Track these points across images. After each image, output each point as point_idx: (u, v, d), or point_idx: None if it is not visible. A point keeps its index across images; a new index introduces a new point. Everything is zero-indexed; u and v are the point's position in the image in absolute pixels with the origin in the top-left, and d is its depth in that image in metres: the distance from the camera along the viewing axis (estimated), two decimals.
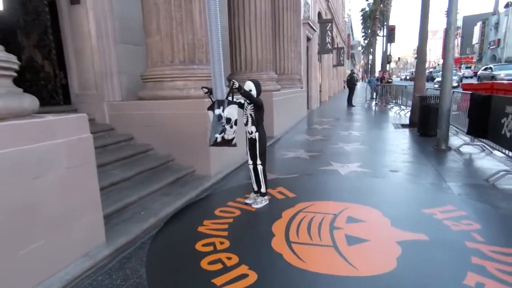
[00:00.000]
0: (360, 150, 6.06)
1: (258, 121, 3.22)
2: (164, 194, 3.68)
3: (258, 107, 3.17)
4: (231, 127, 2.95)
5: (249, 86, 3.15)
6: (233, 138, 3.01)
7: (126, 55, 4.99)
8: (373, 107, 15.11)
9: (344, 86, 38.69)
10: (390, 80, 16.16)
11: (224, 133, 2.90)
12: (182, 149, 4.36)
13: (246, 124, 3.26)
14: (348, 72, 29.84)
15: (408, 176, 4.40)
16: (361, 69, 74.95)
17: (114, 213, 3.08)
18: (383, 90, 15.13)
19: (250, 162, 3.39)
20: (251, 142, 3.30)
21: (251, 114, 3.21)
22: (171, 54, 4.33)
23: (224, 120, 2.88)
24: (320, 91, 18.36)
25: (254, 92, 3.16)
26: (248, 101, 3.15)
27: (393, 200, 3.53)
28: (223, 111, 2.89)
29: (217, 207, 3.42)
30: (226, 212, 3.31)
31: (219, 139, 2.89)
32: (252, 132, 3.25)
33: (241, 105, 3.24)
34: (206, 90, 3.06)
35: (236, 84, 2.90)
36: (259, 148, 3.27)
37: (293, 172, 4.69)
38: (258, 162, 3.32)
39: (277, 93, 7.81)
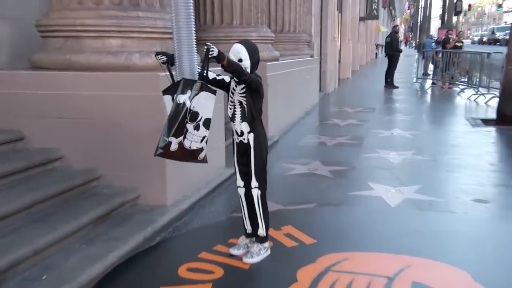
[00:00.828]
0: (417, 163, 6.16)
1: (253, 114, 3.25)
2: (86, 240, 3.61)
3: (254, 90, 3.20)
4: (197, 128, 2.97)
5: (239, 52, 3.17)
6: (201, 149, 3.05)
7: None
8: (428, 90, 15.45)
9: (376, 54, 39.12)
10: (459, 44, 16.51)
11: (185, 138, 2.94)
12: (118, 160, 4.33)
13: (232, 120, 3.30)
14: (385, 30, 29.75)
15: (507, 212, 4.47)
16: (403, 25, 76.28)
17: None
18: (448, 60, 15.40)
19: (240, 183, 3.42)
20: (242, 149, 3.34)
21: (241, 102, 3.23)
22: None
23: (186, 114, 2.91)
24: (339, 62, 18.59)
25: (247, 64, 3.17)
26: (236, 79, 3.18)
27: (488, 254, 3.57)
28: (189, 99, 2.90)
29: (181, 263, 3.41)
30: (198, 272, 3.29)
31: (173, 146, 2.92)
32: (242, 133, 3.29)
33: (224, 85, 3.29)
34: (164, 58, 3.06)
35: (214, 51, 2.90)
36: (254, 159, 3.30)
37: (306, 200, 4.75)
38: (254, 184, 3.35)
39: (274, 64, 7.83)
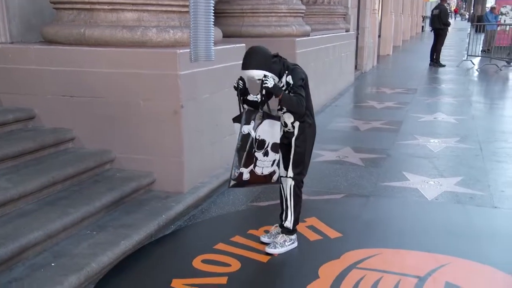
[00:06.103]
0: (460, 152, 6.13)
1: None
2: (96, 227, 3.71)
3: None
4: (266, 154, 3.24)
5: (253, 77, 3.23)
6: (273, 173, 3.32)
7: None
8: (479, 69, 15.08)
9: (422, 27, 38.70)
10: None
11: (255, 166, 3.22)
12: (132, 142, 4.43)
13: (279, 109, 3.45)
14: (434, 0, 28.93)
15: None
16: None
17: None
18: None
19: (283, 172, 3.53)
20: (286, 139, 3.47)
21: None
22: None
23: (253, 144, 3.18)
24: (379, 36, 18.31)
25: (268, 74, 3.20)
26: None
27: None
28: (253, 129, 3.17)
29: (196, 254, 3.47)
30: (214, 264, 3.35)
31: (245, 176, 3.21)
32: (286, 125, 3.44)
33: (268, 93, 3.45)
34: (241, 84, 3.24)
35: (268, 83, 3.07)
36: (295, 148, 3.44)
37: (333, 190, 4.82)
38: (289, 173, 3.49)
39: (304, 40, 7.79)
